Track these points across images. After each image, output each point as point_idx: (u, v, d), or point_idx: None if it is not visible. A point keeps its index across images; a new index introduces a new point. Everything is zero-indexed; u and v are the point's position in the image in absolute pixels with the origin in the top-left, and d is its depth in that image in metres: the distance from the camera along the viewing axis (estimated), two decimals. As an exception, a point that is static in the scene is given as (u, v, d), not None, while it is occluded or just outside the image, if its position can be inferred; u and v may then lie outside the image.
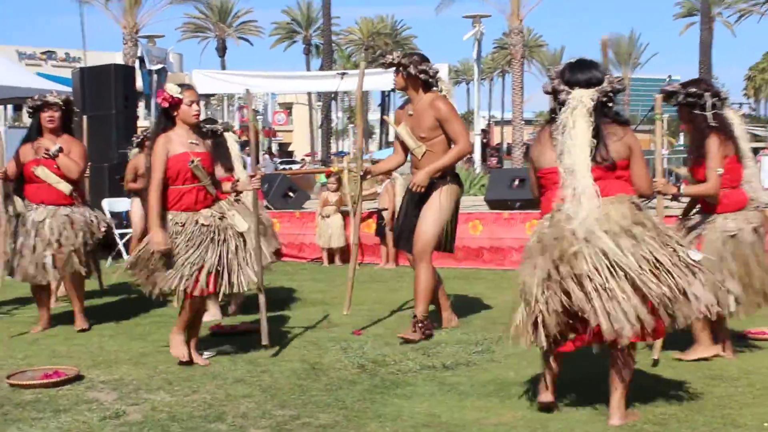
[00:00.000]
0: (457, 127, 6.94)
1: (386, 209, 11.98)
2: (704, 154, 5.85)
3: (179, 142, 6.09)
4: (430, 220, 6.96)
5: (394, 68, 7.06)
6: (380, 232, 12.15)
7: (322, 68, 36.73)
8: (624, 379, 4.65)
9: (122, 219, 12.69)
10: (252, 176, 6.30)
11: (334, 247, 12.42)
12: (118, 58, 29.64)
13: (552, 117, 4.84)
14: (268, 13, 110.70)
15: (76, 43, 53.64)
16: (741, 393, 5.16)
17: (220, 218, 6.13)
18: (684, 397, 5.07)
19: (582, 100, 4.65)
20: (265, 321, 6.36)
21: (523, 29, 34.45)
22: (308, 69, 59.65)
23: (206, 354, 6.34)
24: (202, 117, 6.96)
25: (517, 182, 12.52)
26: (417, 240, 6.98)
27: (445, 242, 7.14)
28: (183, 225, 6.03)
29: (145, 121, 27.30)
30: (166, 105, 6.08)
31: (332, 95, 27.51)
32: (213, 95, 33.34)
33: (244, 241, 6.19)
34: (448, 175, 7.07)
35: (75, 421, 4.84)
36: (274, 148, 41.22)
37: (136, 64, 23.17)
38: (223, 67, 55.84)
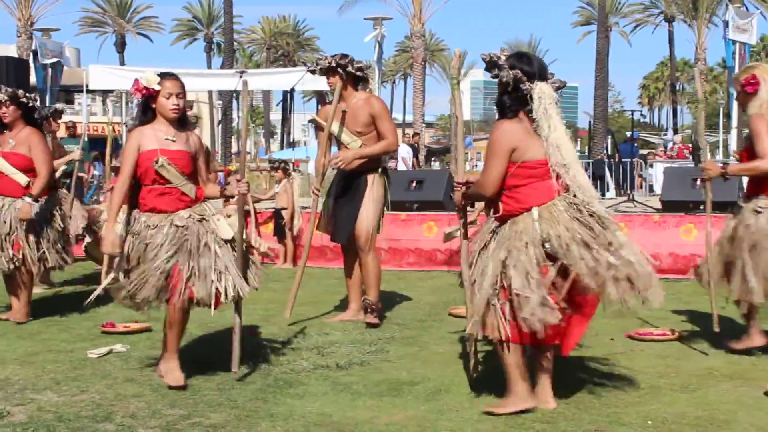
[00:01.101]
0: (388, 125, 7.44)
1: (285, 208, 11.97)
2: None
3: (153, 137, 5.45)
4: (369, 211, 7.38)
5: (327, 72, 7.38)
6: (278, 231, 12.11)
7: (223, 67, 36.41)
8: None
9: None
10: (239, 180, 5.73)
11: (233, 246, 12.27)
12: (11, 51, 28.92)
13: (513, 109, 4.82)
14: (168, 9, 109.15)
15: (-32, 35, 52.12)
16: (627, 392, 5.28)
17: (198, 220, 5.55)
18: (572, 396, 5.16)
19: (552, 95, 4.76)
20: (238, 345, 5.62)
21: (425, 33, 34.81)
22: (209, 67, 59.03)
23: (95, 353, 6.21)
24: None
25: (414, 184, 12.61)
26: (360, 232, 7.37)
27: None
28: (156, 227, 5.42)
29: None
30: (139, 96, 5.46)
31: (233, 94, 27.32)
32: (111, 91, 32.93)
33: (230, 247, 5.63)
34: (379, 167, 7.50)
35: (-44, 421, 4.71)
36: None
37: (30, 58, 22.63)
38: (122, 63, 54.80)
